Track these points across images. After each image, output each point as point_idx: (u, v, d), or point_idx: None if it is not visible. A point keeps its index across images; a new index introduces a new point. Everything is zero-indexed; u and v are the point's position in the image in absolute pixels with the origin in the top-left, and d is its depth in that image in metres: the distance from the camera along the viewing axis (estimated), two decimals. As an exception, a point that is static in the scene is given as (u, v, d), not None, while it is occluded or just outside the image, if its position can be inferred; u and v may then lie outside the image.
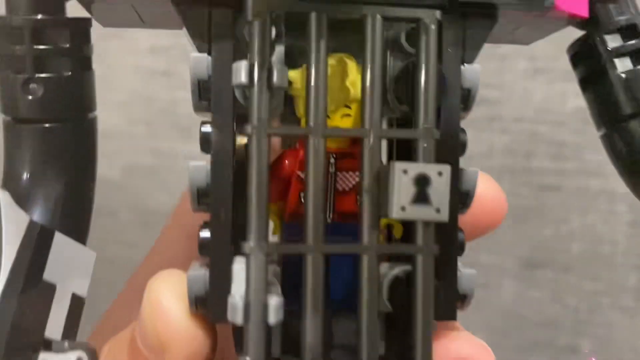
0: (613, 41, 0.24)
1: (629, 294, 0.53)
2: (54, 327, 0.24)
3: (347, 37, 0.21)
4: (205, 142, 0.21)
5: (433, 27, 0.21)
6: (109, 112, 0.65)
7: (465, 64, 0.23)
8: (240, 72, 0.19)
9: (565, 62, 0.50)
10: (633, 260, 0.52)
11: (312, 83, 0.20)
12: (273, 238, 0.25)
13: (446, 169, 0.20)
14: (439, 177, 0.20)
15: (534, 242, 0.53)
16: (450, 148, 0.23)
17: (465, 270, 0.23)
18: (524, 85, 0.51)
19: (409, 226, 0.22)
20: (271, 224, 0.25)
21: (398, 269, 0.22)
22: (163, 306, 0.21)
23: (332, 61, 0.21)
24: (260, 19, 0.19)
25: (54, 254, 0.23)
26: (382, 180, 0.20)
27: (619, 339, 0.54)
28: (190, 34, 0.22)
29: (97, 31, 0.28)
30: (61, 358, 0.22)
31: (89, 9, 0.25)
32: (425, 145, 0.21)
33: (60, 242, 0.24)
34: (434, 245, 0.21)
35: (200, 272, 0.21)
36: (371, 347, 0.20)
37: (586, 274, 0.53)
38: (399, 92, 0.22)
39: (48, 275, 0.24)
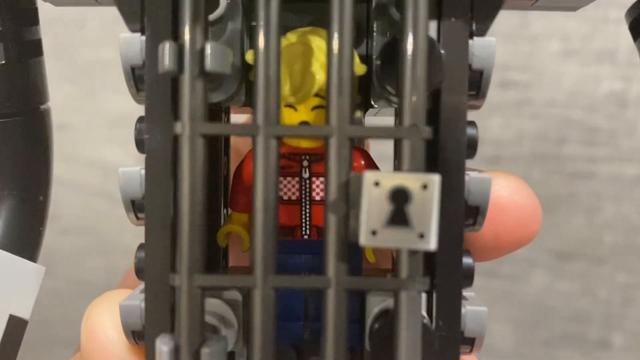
0: None
1: (665, 286, 0.51)
2: None
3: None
4: (140, 141, 0.18)
5: None
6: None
7: (473, 37, 0.18)
8: (165, 54, 0.15)
9: (599, 43, 0.48)
10: (670, 251, 0.50)
11: (260, 66, 0.15)
12: (243, 256, 0.21)
13: (433, 180, 0.15)
14: (423, 190, 0.15)
15: (565, 233, 0.51)
16: (452, 149, 0.17)
17: (472, 307, 0.18)
18: (556, 67, 0.49)
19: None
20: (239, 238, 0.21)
21: (386, 303, 0.18)
22: (100, 338, 0.18)
23: (292, 38, 0.17)
24: None
25: None
26: (352, 194, 0.15)
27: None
28: (121, 11, 0.18)
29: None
30: None
31: None
32: (410, 147, 0.15)
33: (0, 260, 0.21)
34: (421, 279, 0.16)
35: (134, 302, 0.18)
36: None
37: (619, 265, 0.51)
38: (385, 76, 0.17)
39: None
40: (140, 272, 0.18)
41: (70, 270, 0.71)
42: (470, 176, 0.18)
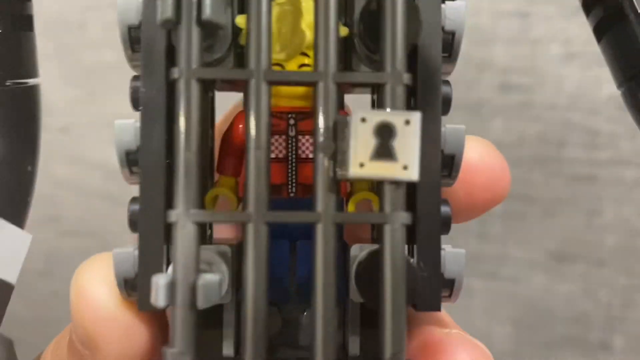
0: None
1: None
2: None
3: None
4: (135, 98, 0.19)
5: None
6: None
7: (445, 1, 0.20)
8: (164, 3, 0.16)
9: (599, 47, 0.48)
10: (671, 254, 0.50)
11: (252, 17, 0.17)
12: (227, 230, 0.23)
13: (415, 116, 0.16)
14: (406, 126, 0.16)
15: (566, 235, 0.51)
16: (429, 102, 0.19)
17: (451, 249, 0.20)
18: (557, 71, 0.49)
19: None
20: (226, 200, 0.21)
21: (371, 249, 0.19)
22: (88, 294, 0.18)
23: (281, 0, 0.19)
24: None
25: None
26: (339, 134, 0.17)
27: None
28: None
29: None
30: None
31: None
32: (392, 90, 0.17)
33: None
34: (403, 213, 0.17)
35: (128, 249, 0.19)
36: (326, 344, 0.16)
37: (620, 268, 0.51)
38: (366, 33, 0.19)
39: None
40: (133, 224, 0.19)
41: (71, 273, 0.71)
42: (446, 127, 0.20)
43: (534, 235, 0.52)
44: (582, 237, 0.51)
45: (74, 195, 0.68)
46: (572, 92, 0.49)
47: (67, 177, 0.68)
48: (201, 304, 0.16)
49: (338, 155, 0.17)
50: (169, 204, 0.18)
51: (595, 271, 0.51)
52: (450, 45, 0.19)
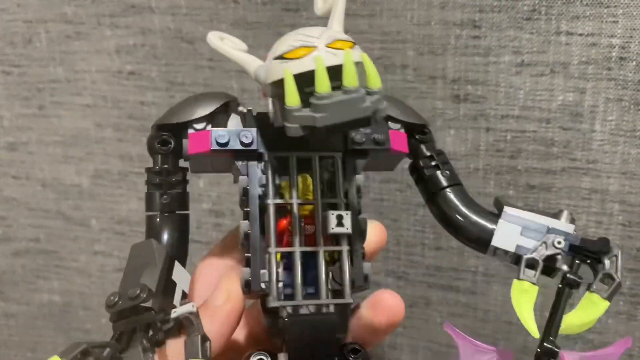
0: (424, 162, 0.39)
1: (623, 298, 0.51)
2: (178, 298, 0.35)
3: (308, 165, 0.36)
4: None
5: (339, 158, 0.36)
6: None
7: (356, 174, 0.36)
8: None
9: (551, 55, 0.48)
10: (628, 263, 0.50)
11: (295, 185, 0.35)
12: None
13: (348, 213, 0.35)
14: (347, 215, 0.34)
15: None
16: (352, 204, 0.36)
17: (366, 262, 0.35)
18: (509, 80, 0.49)
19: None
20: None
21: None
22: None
23: (300, 178, 0.36)
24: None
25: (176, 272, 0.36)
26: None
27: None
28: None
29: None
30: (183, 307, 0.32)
31: None
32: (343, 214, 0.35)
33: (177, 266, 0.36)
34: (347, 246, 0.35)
35: (247, 269, 0.35)
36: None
37: (578, 277, 0.50)
38: (328, 187, 0.36)
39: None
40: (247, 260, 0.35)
41: (25, 293, 0.70)
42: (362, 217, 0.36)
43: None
44: (539, 247, 0.51)
45: (25, 215, 0.67)
46: (525, 102, 0.49)
47: (18, 196, 0.66)
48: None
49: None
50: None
51: (554, 281, 0.51)
52: (359, 190, 0.37)
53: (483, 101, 0.50)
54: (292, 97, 0.31)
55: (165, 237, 0.36)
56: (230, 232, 0.40)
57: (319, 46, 0.31)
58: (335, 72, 0.31)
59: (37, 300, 0.69)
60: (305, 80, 0.31)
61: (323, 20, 0.51)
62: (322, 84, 0.30)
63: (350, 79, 0.31)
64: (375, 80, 0.31)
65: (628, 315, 0.51)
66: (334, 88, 0.30)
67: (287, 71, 0.31)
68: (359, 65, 0.31)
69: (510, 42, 0.48)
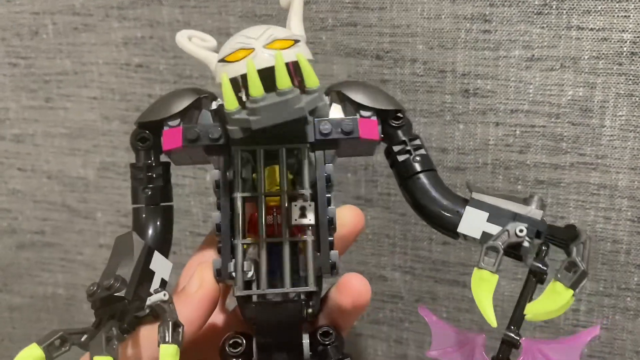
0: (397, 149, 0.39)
1: (632, 294, 0.51)
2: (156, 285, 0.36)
3: (275, 158, 0.37)
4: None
5: (307, 150, 0.36)
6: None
7: (326, 164, 0.37)
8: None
9: (562, 50, 0.48)
10: (636, 259, 0.50)
11: (261, 179, 0.36)
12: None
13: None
14: (310, 207, 0.36)
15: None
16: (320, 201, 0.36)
17: (333, 251, 0.36)
18: (519, 75, 0.48)
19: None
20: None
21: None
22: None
23: (269, 170, 0.37)
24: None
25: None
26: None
27: (620, 341, 0.52)
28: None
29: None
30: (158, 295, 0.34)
31: None
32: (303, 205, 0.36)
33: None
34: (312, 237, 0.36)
35: (218, 259, 0.36)
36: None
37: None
38: (296, 175, 0.37)
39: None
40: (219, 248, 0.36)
41: (30, 286, 0.69)
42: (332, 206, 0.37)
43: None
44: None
45: (30, 207, 0.66)
46: (535, 97, 0.49)
47: (23, 188, 0.66)
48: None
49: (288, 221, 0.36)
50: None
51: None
52: (329, 179, 0.37)
53: (492, 95, 0.49)
54: (230, 101, 0.31)
55: (149, 228, 0.38)
56: None
57: (256, 48, 0.32)
58: (272, 73, 0.31)
59: (42, 293, 0.69)
60: (245, 83, 0.31)
61: (336, 11, 0.51)
62: (254, 87, 0.31)
63: (282, 80, 0.31)
64: (311, 80, 0.32)
65: (635, 312, 0.51)
66: (271, 89, 0.31)
67: (224, 76, 0.31)
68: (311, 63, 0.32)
69: (520, 36, 0.48)
